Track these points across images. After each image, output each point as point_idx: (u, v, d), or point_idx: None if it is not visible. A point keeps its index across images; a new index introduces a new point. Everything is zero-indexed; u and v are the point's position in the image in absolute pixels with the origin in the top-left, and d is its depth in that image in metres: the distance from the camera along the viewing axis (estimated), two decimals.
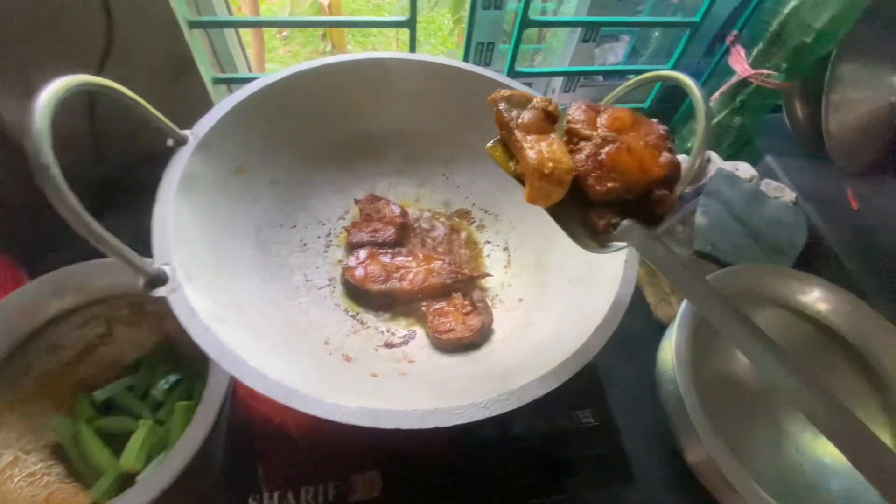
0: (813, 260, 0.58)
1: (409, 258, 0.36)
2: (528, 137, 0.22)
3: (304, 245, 0.36)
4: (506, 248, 0.39)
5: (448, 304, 0.34)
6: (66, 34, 0.41)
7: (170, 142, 0.29)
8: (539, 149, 0.21)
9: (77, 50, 0.42)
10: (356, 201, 0.39)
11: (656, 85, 0.66)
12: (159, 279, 0.23)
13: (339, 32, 1.31)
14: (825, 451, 0.42)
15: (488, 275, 0.37)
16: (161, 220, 0.25)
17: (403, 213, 0.39)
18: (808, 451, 0.42)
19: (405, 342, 0.33)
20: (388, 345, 0.32)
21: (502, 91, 0.24)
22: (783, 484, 0.41)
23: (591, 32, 0.60)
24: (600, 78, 0.76)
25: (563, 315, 0.30)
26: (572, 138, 0.22)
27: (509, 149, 0.25)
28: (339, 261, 0.37)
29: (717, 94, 0.63)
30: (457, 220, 0.41)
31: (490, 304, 0.35)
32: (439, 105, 0.40)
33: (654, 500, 0.40)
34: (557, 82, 0.71)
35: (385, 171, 0.42)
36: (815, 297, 0.44)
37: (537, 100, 0.23)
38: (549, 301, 0.33)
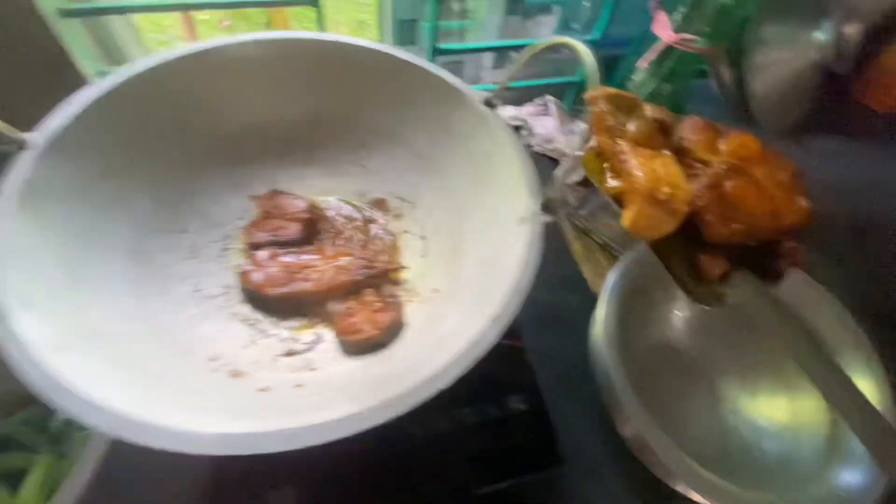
0: None
1: (316, 256, 0.34)
2: (638, 152, 0.17)
3: (195, 251, 0.33)
4: (423, 237, 0.37)
5: (358, 302, 0.32)
6: None
7: (5, 148, 0.25)
8: (652, 167, 0.17)
9: None
10: (254, 198, 0.36)
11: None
12: None
13: (282, 18, 1.24)
14: (760, 413, 0.42)
15: (403, 267, 0.35)
16: None
17: (310, 208, 0.36)
18: (744, 414, 0.43)
19: (310, 348, 0.31)
20: (290, 353, 0.30)
21: (604, 88, 0.19)
22: (719, 447, 0.42)
23: (514, 3, 0.57)
24: None
25: (469, 304, 0.28)
26: (683, 159, 0.18)
27: (607, 160, 0.19)
28: (238, 266, 0.34)
29: (643, 62, 0.62)
30: (372, 210, 0.39)
31: (406, 297, 0.34)
32: (348, 90, 0.37)
33: (594, 478, 0.40)
34: (488, 60, 0.69)
35: (288, 163, 0.39)
36: None
37: (650, 108, 0.18)
38: (461, 289, 0.31)
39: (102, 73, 0.47)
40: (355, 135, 0.39)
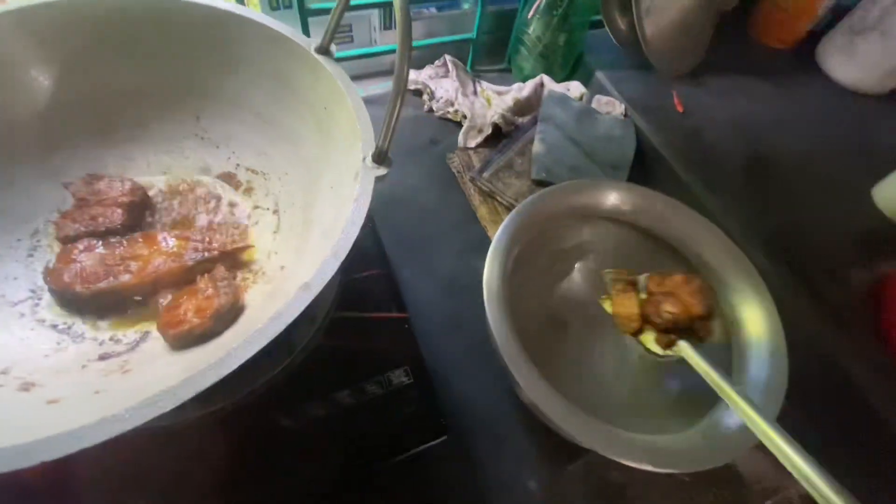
0: (647, 169, 0.58)
1: (141, 243, 0.29)
2: (619, 297, 0.34)
3: None
4: (276, 211, 0.33)
5: (190, 290, 0.28)
6: None
7: None
8: (621, 302, 0.34)
9: None
10: (66, 185, 0.31)
11: (476, 14, 0.62)
12: None
13: None
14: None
15: (249, 245, 0.31)
16: None
17: (134, 189, 0.31)
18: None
19: (131, 348, 0.26)
20: (104, 356, 0.26)
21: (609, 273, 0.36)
22: (630, 391, 0.41)
23: None
24: (432, 10, 0.71)
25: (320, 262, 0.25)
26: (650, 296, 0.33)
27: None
28: (47, 266, 0.29)
29: (532, 11, 0.60)
30: (221, 185, 0.35)
31: (251, 279, 0.30)
32: (171, 51, 0.32)
33: (501, 446, 0.38)
34: (376, 20, 0.64)
35: (115, 142, 0.33)
36: (617, 200, 0.43)
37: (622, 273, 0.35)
38: (306, 263, 0.28)
39: None
40: (190, 103, 0.34)
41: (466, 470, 0.38)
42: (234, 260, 0.30)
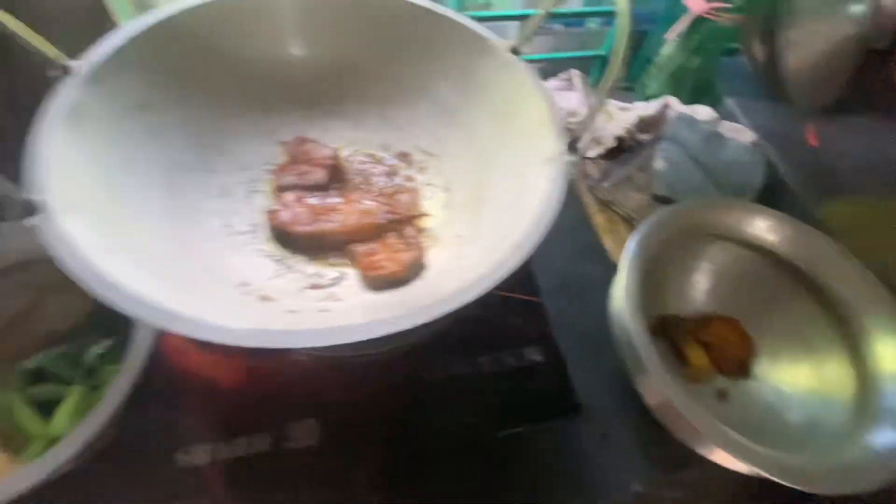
0: (772, 199, 0.57)
1: (341, 200, 0.35)
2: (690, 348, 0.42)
3: (224, 191, 0.34)
4: (447, 189, 0.37)
5: (381, 244, 0.33)
6: None
7: (53, 72, 0.27)
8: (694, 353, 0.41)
9: None
10: (283, 143, 0.37)
11: (609, 31, 0.64)
12: (33, 208, 0.21)
13: None
14: (783, 379, 0.42)
15: (425, 214, 0.36)
16: (39, 149, 0.23)
17: (335, 155, 0.37)
18: (768, 380, 0.42)
19: (334, 283, 0.31)
20: (315, 286, 0.31)
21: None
22: (742, 414, 0.41)
23: None
24: (561, 26, 0.74)
25: (492, 243, 0.28)
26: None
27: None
28: (264, 207, 0.35)
29: (672, 34, 0.61)
30: (396, 162, 0.39)
31: (428, 243, 0.34)
32: (374, 40, 0.38)
33: (613, 435, 0.39)
34: (513, 32, 0.68)
35: (316, 114, 0.39)
36: (764, 228, 0.44)
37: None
38: (484, 233, 0.31)
39: None
40: (381, 88, 0.40)
41: (571, 460, 0.39)
42: (411, 224, 0.35)
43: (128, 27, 0.30)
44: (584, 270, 0.51)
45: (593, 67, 0.67)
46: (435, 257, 0.33)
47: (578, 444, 0.39)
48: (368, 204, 0.34)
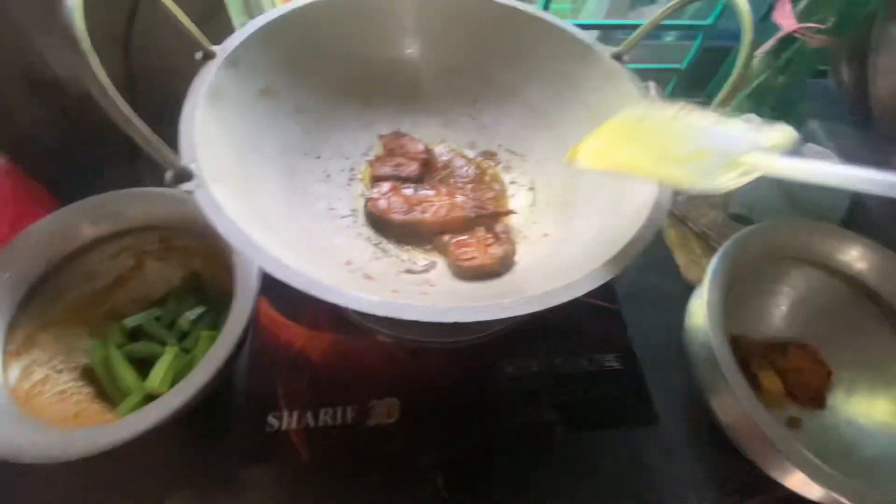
0: (855, 226, 0.55)
1: (433, 192, 0.36)
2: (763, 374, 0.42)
3: (328, 176, 0.36)
4: (532, 188, 0.38)
5: (471, 236, 0.33)
6: None
7: (198, 55, 0.29)
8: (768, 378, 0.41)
9: None
10: (381, 136, 0.39)
11: (693, 47, 0.63)
12: (185, 175, 0.23)
13: None
14: (859, 412, 0.40)
15: (512, 212, 0.36)
16: (188, 122, 0.26)
17: (427, 150, 0.38)
18: (843, 412, 0.40)
19: (426, 270, 0.32)
20: (409, 271, 0.32)
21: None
22: (816, 444, 0.39)
23: None
24: None
25: (589, 242, 0.29)
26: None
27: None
28: (361, 194, 0.36)
29: (759, 51, 0.60)
30: (481, 160, 0.41)
31: (516, 240, 0.35)
32: (469, 40, 0.39)
33: (676, 449, 0.39)
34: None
35: (410, 110, 0.41)
36: (854, 256, 0.42)
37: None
38: (576, 233, 0.32)
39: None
40: (474, 88, 0.41)
41: (635, 471, 0.39)
42: (498, 220, 0.35)
43: (259, 18, 0.32)
44: (654, 283, 0.51)
45: (672, 80, 0.66)
46: (522, 253, 0.33)
47: (643, 456, 0.39)
48: (458, 198, 0.35)
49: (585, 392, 0.35)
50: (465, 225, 0.34)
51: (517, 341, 0.36)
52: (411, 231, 0.34)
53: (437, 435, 0.33)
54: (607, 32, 0.65)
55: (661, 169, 0.22)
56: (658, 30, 0.75)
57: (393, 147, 0.38)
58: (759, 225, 0.44)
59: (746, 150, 0.21)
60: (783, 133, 0.23)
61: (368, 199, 0.35)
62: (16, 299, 0.36)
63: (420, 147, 0.38)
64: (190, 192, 0.23)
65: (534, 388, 0.35)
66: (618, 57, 0.35)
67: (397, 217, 0.34)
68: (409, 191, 0.36)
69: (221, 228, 0.22)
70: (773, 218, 0.54)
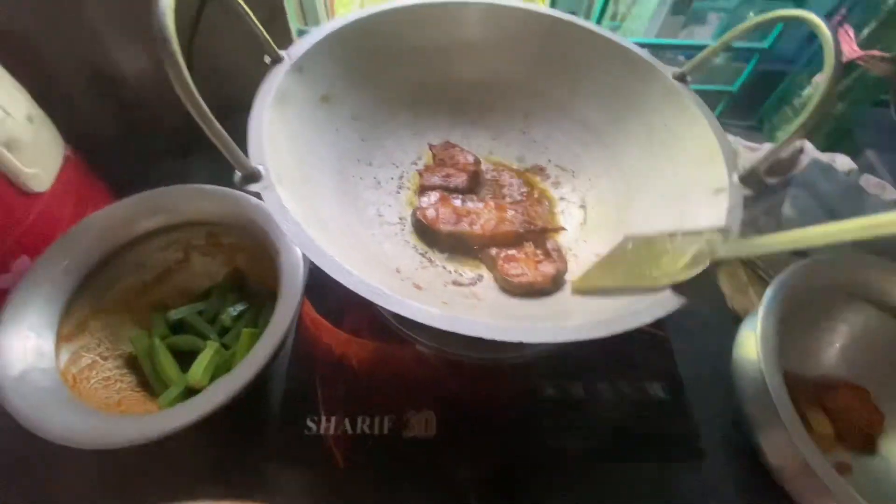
0: None
1: (481, 205, 0.36)
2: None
3: (378, 183, 0.36)
4: (582, 206, 0.38)
5: (519, 251, 0.33)
6: None
7: (267, 59, 0.30)
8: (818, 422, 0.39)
9: None
10: (430, 146, 0.39)
11: (747, 68, 0.62)
12: (254, 176, 0.24)
13: None
14: None
15: (562, 228, 0.36)
16: (257, 124, 0.26)
17: (476, 162, 0.38)
18: None
19: (473, 283, 0.32)
20: (456, 283, 0.32)
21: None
22: (865, 490, 0.37)
23: (683, 3, 0.56)
24: (682, 58, 0.72)
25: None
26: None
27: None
28: (409, 202, 0.36)
29: (817, 78, 0.58)
30: (530, 175, 0.40)
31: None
32: (523, 55, 0.39)
33: (719, 488, 0.37)
34: None
35: (460, 122, 0.41)
36: None
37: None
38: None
39: (300, 30, 0.54)
40: (526, 103, 0.41)
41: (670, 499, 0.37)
42: (545, 237, 0.35)
43: (325, 26, 0.33)
44: (699, 311, 0.49)
45: (721, 102, 0.65)
46: (572, 272, 0.33)
47: (682, 492, 0.37)
48: (508, 212, 0.35)
49: (628, 421, 0.34)
50: (514, 239, 0.34)
51: (560, 362, 0.35)
52: (458, 242, 0.34)
53: (473, 452, 0.33)
54: (656, 51, 0.65)
55: (637, 281, 0.26)
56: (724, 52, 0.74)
57: (443, 157, 0.38)
58: (816, 258, 0.42)
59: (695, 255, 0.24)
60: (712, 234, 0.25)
61: (417, 209, 0.35)
62: (72, 285, 0.38)
63: (470, 158, 0.38)
64: (257, 194, 0.23)
65: (574, 412, 0.34)
66: (681, 77, 0.34)
67: (445, 228, 0.33)
68: (457, 202, 0.35)
69: (287, 230, 0.22)
70: (826, 251, 0.51)
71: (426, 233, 0.34)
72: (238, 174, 0.24)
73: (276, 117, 0.28)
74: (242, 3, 0.26)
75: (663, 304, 0.22)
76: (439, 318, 0.20)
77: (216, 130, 0.21)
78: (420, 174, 0.37)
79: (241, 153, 0.23)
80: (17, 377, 0.32)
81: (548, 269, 0.31)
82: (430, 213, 0.34)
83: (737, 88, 0.62)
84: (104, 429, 0.30)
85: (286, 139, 0.29)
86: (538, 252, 0.33)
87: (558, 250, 0.33)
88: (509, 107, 0.41)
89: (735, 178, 0.28)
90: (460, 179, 0.37)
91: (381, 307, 0.21)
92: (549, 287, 0.31)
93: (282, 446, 0.32)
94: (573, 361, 0.35)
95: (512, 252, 0.33)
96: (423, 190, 0.37)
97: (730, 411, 0.39)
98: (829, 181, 0.56)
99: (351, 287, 0.21)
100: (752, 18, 0.29)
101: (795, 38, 0.67)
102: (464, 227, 0.34)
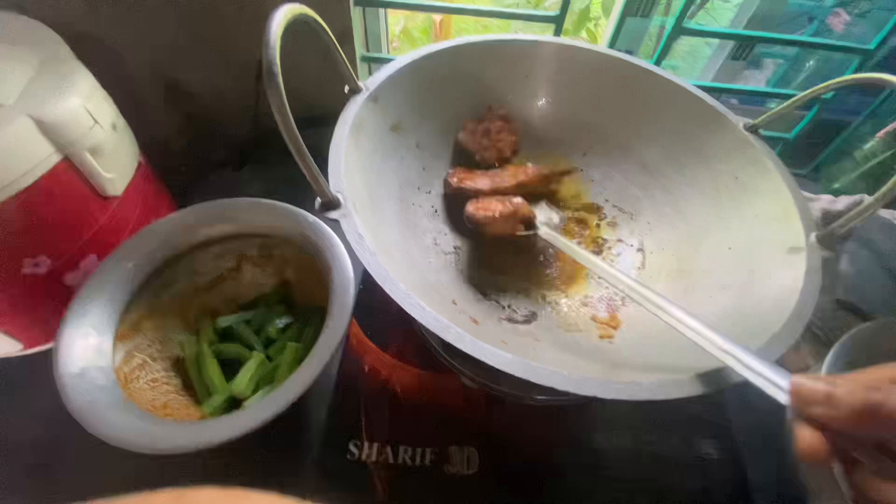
0: None
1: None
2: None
3: (436, 211, 0.37)
4: (640, 249, 0.37)
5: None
6: None
7: (346, 88, 0.31)
8: None
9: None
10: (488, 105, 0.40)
11: (807, 116, 0.60)
12: (333, 203, 0.24)
13: (447, 29, 1.36)
14: None
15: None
16: (336, 153, 0.27)
17: (514, 147, 0.39)
18: None
19: (527, 321, 0.32)
20: (511, 320, 0.31)
21: None
22: None
23: (744, 50, 0.56)
24: (735, 101, 0.72)
25: (716, 320, 0.27)
26: None
27: None
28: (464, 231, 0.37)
29: (882, 133, 0.56)
30: (585, 212, 0.40)
31: (621, 303, 0.33)
32: (590, 94, 0.39)
33: None
34: None
35: (519, 156, 0.41)
36: None
37: None
38: (695, 306, 0.30)
39: (363, 56, 0.56)
40: (586, 140, 0.41)
41: None
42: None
43: (401, 58, 0.34)
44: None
45: (777, 149, 0.63)
46: (632, 321, 0.32)
47: None
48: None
49: (676, 478, 0.32)
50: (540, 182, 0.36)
51: (609, 409, 0.34)
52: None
53: (515, 494, 0.32)
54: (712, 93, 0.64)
55: None
56: (764, 97, 0.73)
57: (490, 127, 0.39)
58: (878, 322, 0.40)
59: None
60: None
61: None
62: (133, 287, 0.39)
63: (512, 141, 0.39)
64: (336, 221, 0.24)
65: (621, 464, 0.33)
66: (753, 129, 0.33)
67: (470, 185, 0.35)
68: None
69: (364, 259, 0.22)
70: (885, 311, 0.49)
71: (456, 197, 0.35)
72: (318, 200, 0.24)
73: (351, 145, 0.29)
74: (334, 38, 0.27)
75: (746, 367, 0.21)
76: (513, 363, 0.20)
77: (306, 160, 0.22)
78: (463, 126, 0.39)
79: (324, 180, 0.24)
80: (77, 374, 0.33)
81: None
82: (455, 179, 0.36)
83: (794, 136, 0.61)
84: (156, 433, 0.31)
85: (359, 166, 0.29)
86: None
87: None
88: (570, 144, 0.41)
89: (812, 238, 0.27)
90: (489, 154, 0.37)
91: (448, 343, 0.21)
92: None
93: (325, 468, 0.32)
94: (625, 408, 0.34)
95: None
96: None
97: (785, 476, 0.37)
98: (890, 238, 0.54)
99: (423, 322, 0.21)
100: (843, 78, 0.29)
101: (858, 89, 0.66)
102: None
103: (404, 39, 1.65)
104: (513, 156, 0.39)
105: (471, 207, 0.34)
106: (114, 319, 0.38)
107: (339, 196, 0.25)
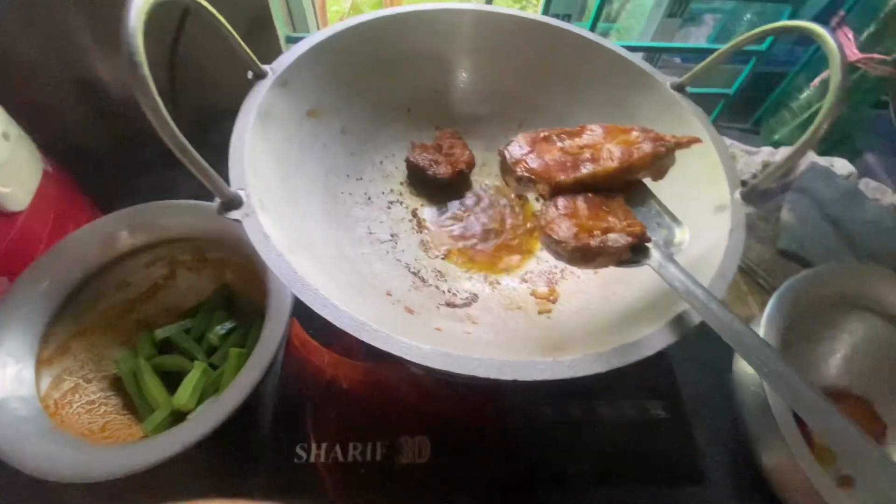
0: None
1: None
2: None
3: (369, 198, 0.35)
4: None
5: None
6: None
7: (249, 74, 0.29)
8: None
9: None
10: (438, 128, 0.39)
11: (744, 71, 0.61)
12: (234, 202, 0.22)
13: (399, 3, 1.30)
14: None
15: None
16: (238, 146, 0.25)
17: (470, 164, 0.37)
18: None
19: (467, 304, 0.31)
20: (450, 304, 0.30)
21: None
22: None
23: (679, 5, 0.55)
24: (677, 60, 0.71)
25: (648, 288, 0.27)
26: None
27: None
28: (402, 219, 0.35)
29: (816, 81, 0.57)
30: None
31: (560, 276, 0.33)
32: (517, 63, 0.38)
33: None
34: None
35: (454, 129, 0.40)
36: None
37: None
38: (632, 273, 0.30)
39: (288, 37, 0.53)
40: (519, 112, 0.40)
41: None
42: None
43: (310, 38, 0.32)
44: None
45: (718, 106, 0.64)
46: (571, 292, 0.32)
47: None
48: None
49: (628, 442, 0.33)
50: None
51: (558, 381, 0.34)
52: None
53: (469, 477, 0.32)
54: (652, 54, 0.64)
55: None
56: (705, 53, 0.73)
57: (442, 143, 0.37)
58: (817, 268, 0.41)
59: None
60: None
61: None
62: (53, 307, 0.36)
63: (465, 157, 0.37)
64: (238, 221, 0.22)
65: (573, 434, 0.33)
66: (680, 88, 0.33)
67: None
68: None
69: (269, 261, 0.21)
70: (826, 257, 0.50)
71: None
72: (217, 201, 0.22)
73: (258, 136, 0.27)
74: (223, 19, 0.25)
75: (666, 335, 0.21)
76: (431, 355, 0.19)
77: (190, 155, 0.20)
78: (413, 145, 0.36)
79: (219, 179, 0.22)
80: None
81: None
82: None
83: (734, 91, 0.61)
84: (84, 462, 0.29)
85: (270, 158, 0.27)
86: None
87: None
88: (504, 117, 0.40)
89: (737, 195, 0.27)
90: (443, 170, 0.36)
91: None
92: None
93: (273, 474, 0.31)
94: (572, 380, 0.34)
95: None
96: (408, 162, 0.36)
97: (731, 426, 0.38)
98: (828, 186, 0.55)
99: (337, 324, 0.20)
100: (756, 30, 0.28)
101: (792, 40, 0.66)
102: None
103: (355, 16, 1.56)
104: (468, 170, 0.37)
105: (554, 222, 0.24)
106: (33, 344, 0.35)
107: (242, 194, 0.23)
